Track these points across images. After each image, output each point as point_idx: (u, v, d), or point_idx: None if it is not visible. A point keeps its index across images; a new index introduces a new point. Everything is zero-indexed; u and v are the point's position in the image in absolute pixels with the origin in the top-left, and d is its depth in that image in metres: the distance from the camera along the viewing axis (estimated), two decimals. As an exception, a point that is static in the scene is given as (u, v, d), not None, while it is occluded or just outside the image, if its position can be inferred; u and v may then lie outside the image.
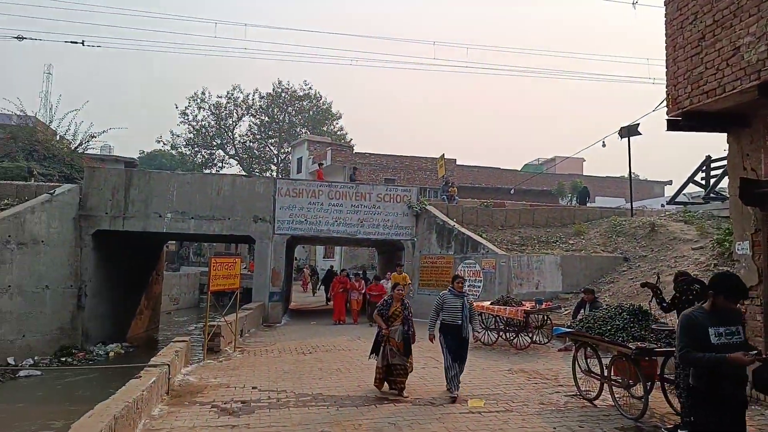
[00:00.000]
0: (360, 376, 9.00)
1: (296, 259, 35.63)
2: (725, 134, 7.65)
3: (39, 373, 12.76)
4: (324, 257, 36.94)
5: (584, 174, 43.75)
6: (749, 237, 7.11)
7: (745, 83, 6.24)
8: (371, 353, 8.14)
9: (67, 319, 15.12)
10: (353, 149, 39.58)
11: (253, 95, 56.02)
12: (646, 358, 6.46)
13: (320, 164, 27.40)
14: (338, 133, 57.28)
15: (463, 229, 17.55)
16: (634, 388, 6.73)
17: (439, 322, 7.76)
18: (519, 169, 44.61)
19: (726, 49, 6.54)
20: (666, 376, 6.70)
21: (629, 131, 20.31)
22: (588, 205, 27.13)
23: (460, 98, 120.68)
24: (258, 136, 57.22)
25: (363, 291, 17.84)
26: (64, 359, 13.97)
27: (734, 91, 6.40)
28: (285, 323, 17.49)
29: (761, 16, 6.08)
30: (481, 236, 17.46)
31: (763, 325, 6.78)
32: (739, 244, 7.33)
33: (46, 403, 10.55)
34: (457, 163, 35.84)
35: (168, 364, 7.69)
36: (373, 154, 35.28)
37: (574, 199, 30.46)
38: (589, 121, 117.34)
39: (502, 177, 38.67)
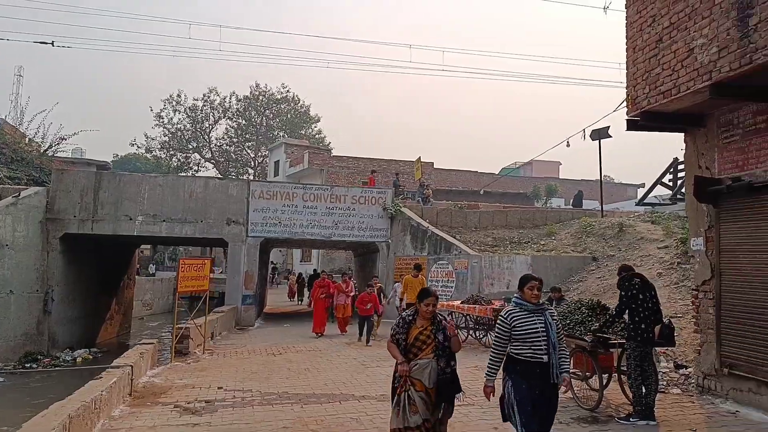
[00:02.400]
0: (328, 375, 9.02)
1: (273, 263, 35.35)
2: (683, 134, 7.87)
3: (2, 379, 12.46)
4: (301, 261, 36.75)
5: (560, 177, 44.41)
6: (703, 233, 7.31)
7: (698, 83, 6.43)
8: (393, 403, 4.64)
9: (33, 324, 14.82)
10: (331, 152, 39.58)
11: (230, 98, 55.73)
12: (603, 351, 6.60)
13: (373, 171, 27.86)
14: (317, 136, 57.17)
15: (436, 231, 17.66)
16: (592, 379, 6.87)
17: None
18: (497, 172, 45.09)
19: (681, 51, 6.72)
20: (623, 368, 6.84)
21: (600, 134, 20.65)
22: (574, 207, 27.75)
23: (437, 102, 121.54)
24: (235, 140, 56.82)
25: (352, 294, 14.89)
26: (29, 365, 13.68)
27: (688, 91, 6.58)
28: (258, 326, 17.35)
29: (713, 19, 6.27)
30: (454, 237, 17.60)
31: (714, 317, 6.96)
32: (694, 240, 7.53)
33: (6, 408, 10.30)
34: (435, 166, 36.03)
35: (131, 366, 7.60)
36: (351, 157, 35.30)
37: (570, 203, 31.73)
38: (567, 124, 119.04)
39: (479, 180, 39.00)
